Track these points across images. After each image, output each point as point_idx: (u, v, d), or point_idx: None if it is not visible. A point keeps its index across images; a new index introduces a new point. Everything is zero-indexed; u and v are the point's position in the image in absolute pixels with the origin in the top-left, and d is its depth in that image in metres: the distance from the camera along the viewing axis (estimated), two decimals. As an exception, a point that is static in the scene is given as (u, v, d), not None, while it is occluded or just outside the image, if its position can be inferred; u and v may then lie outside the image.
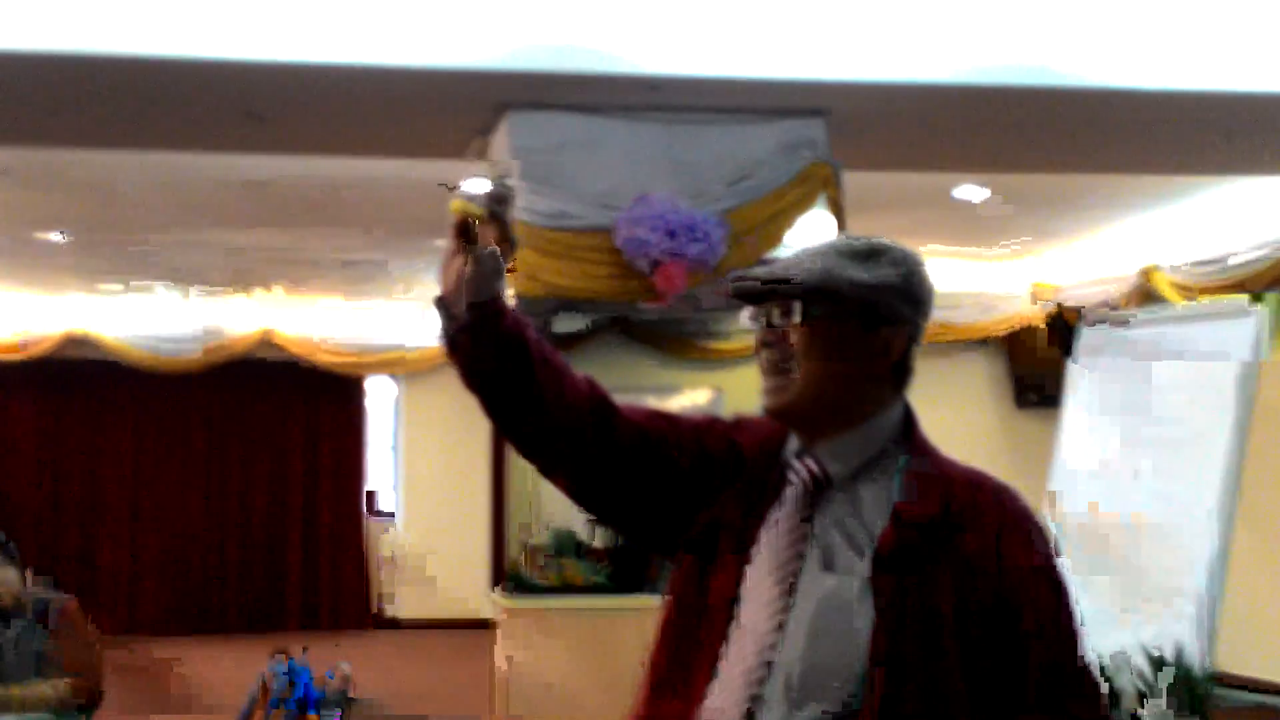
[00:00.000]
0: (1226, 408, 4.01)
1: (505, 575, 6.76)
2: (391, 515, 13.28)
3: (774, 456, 1.85)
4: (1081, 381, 4.90)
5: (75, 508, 12.58)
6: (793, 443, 1.84)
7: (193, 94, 5.40)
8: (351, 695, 5.16)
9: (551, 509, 6.75)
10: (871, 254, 1.78)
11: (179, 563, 12.62)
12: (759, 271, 1.81)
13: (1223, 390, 4.05)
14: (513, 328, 1.82)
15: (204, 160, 6.80)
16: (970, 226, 8.82)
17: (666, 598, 1.86)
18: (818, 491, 1.79)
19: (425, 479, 13.03)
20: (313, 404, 12.95)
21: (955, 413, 11.57)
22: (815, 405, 1.78)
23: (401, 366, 12.56)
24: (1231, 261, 8.37)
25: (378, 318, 12.13)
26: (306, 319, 12.06)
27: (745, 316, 1.82)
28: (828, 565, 1.75)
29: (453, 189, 1.81)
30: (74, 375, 12.33)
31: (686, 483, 1.85)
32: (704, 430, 1.90)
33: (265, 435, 12.90)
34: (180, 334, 11.83)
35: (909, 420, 1.84)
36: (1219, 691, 3.38)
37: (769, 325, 1.78)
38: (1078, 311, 6.93)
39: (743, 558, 1.79)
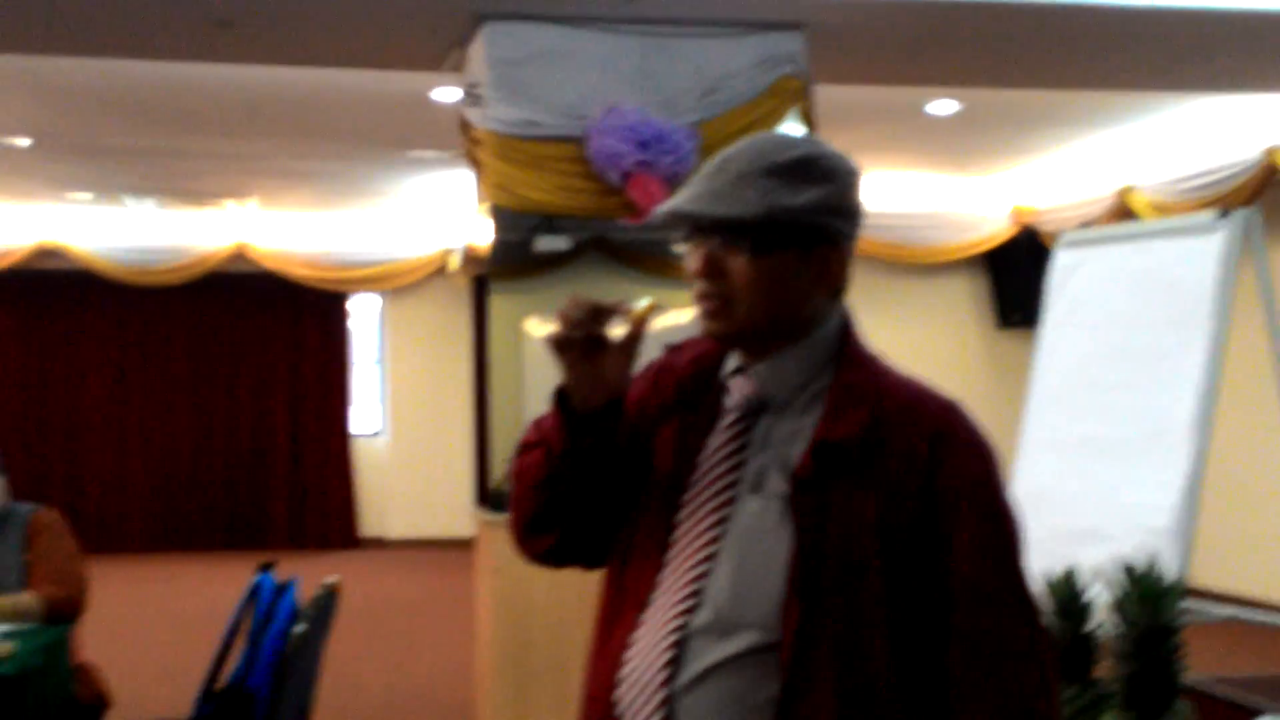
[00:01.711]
0: (1199, 323, 4.01)
1: (489, 493, 6.78)
2: (377, 433, 13.27)
3: (709, 376, 1.81)
4: (1057, 302, 4.88)
5: (57, 423, 12.58)
6: (731, 360, 1.80)
7: (159, 2, 5.32)
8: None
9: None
10: (801, 169, 1.70)
11: (164, 479, 12.66)
12: (691, 204, 1.71)
13: (1195, 306, 4.05)
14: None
15: (170, 68, 6.70)
16: (943, 143, 8.80)
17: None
18: (755, 413, 1.75)
19: (410, 396, 13.04)
20: (295, 320, 12.92)
21: (937, 333, 11.62)
22: (754, 332, 1.73)
23: (384, 281, 12.51)
24: (1208, 179, 8.36)
25: (357, 232, 12.09)
26: (283, 232, 12.01)
27: (679, 239, 1.76)
28: (757, 488, 1.70)
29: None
30: (49, 287, 12.30)
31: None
32: (633, 410, 1.83)
33: (248, 351, 12.88)
34: (151, 246, 11.77)
35: (846, 329, 1.78)
36: (1191, 604, 3.40)
37: (705, 256, 1.72)
38: (1056, 232, 6.92)
39: (679, 485, 1.75)
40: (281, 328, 12.94)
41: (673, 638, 1.67)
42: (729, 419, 1.76)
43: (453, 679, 7.33)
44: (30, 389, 12.54)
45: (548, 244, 6.44)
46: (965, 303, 11.78)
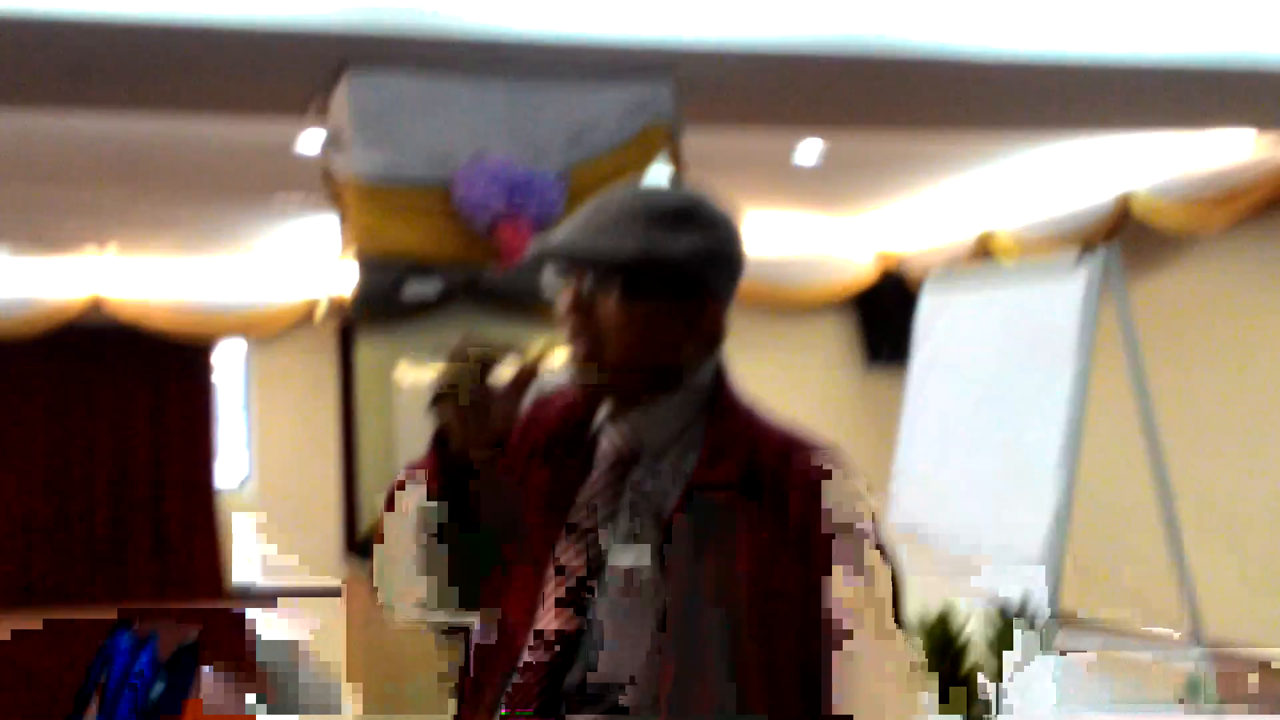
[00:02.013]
0: (1064, 360, 4.08)
1: (356, 544, 6.64)
2: (244, 482, 12.98)
3: (581, 426, 1.76)
4: (924, 344, 4.96)
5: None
6: (603, 408, 1.75)
7: (11, 49, 5.15)
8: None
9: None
10: (683, 217, 1.66)
11: (21, 538, 12.18)
12: (565, 239, 1.67)
13: (1059, 344, 4.12)
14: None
15: (16, 114, 6.51)
16: (809, 188, 8.92)
17: None
18: (627, 463, 1.70)
19: (278, 445, 12.76)
20: (157, 371, 12.54)
21: (806, 374, 11.71)
22: (624, 380, 1.68)
23: (249, 330, 12.26)
24: (1066, 223, 8.58)
25: (221, 279, 11.83)
26: (143, 281, 11.70)
27: (548, 278, 1.72)
28: (629, 539, 1.66)
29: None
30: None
31: None
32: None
33: (107, 404, 12.47)
34: (1, 299, 11.38)
35: (720, 377, 1.73)
36: (1067, 633, 3.44)
37: (577, 295, 1.67)
38: (921, 276, 7.05)
39: (550, 538, 1.70)
40: (142, 380, 12.57)
41: (541, 699, 1.62)
42: (601, 469, 1.72)
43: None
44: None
45: (416, 290, 6.35)
46: (833, 344, 11.91)
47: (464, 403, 1.66)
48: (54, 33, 4.92)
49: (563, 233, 1.69)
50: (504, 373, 1.69)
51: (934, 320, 4.85)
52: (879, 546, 1.66)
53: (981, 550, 4.21)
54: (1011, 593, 3.09)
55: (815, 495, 1.62)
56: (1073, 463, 4.03)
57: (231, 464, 12.99)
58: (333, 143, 5.51)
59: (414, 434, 6.84)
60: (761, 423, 1.71)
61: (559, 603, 1.67)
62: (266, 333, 12.29)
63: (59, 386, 12.36)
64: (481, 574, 1.74)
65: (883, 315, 11.19)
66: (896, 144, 7.69)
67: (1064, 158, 8.14)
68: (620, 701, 1.60)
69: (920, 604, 2.94)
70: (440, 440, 1.71)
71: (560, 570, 1.68)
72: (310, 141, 6.70)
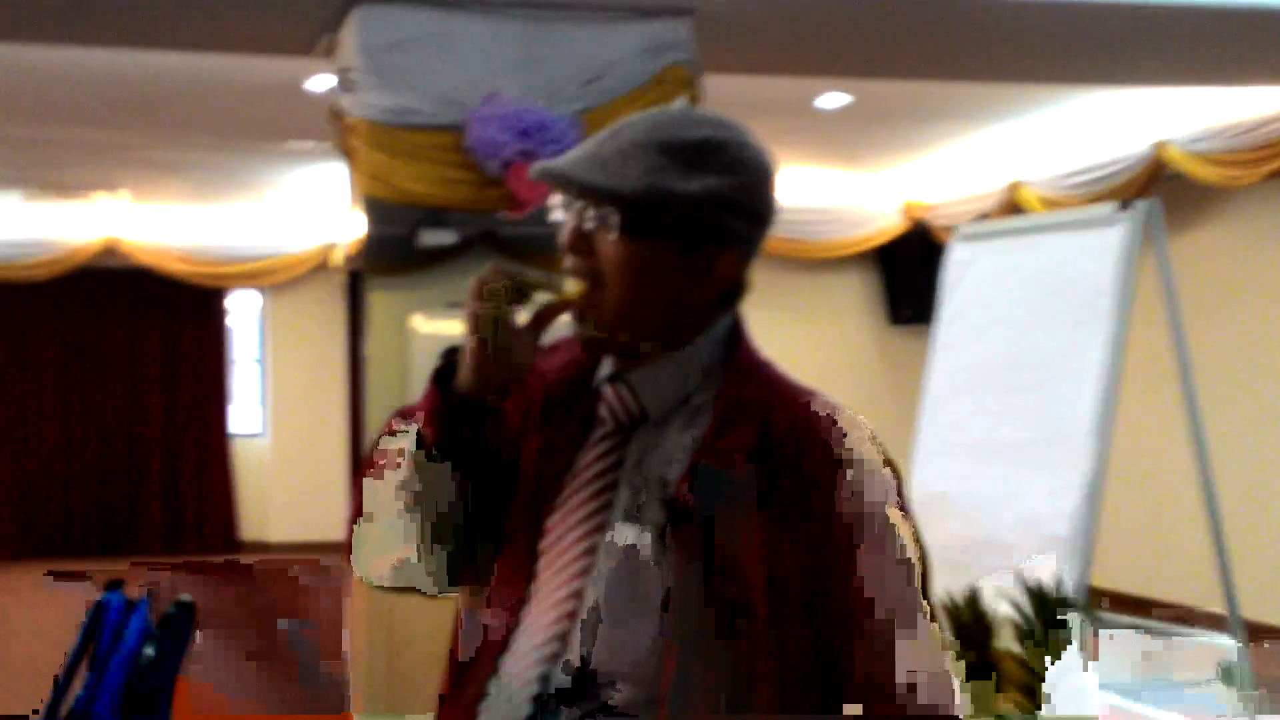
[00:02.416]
0: (1099, 320, 3.86)
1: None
2: (258, 434, 12.86)
3: (581, 383, 1.59)
4: (951, 298, 4.73)
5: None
6: (605, 365, 1.58)
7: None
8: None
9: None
10: (701, 154, 1.49)
11: (31, 482, 12.12)
12: (569, 166, 1.51)
13: (1095, 302, 3.91)
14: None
15: (26, 52, 6.35)
16: (834, 137, 8.69)
17: None
18: (630, 427, 1.53)
19: (292, 395, 12.64)
20: (171, 317, 12.46)
21: (827, 330, 11.53)
22: (625, 331, 1.51)
23: (264, 278, 12.11)
24: (1097, 174, 8.33)
25: (235, 226, 11.69)
26: (156, 226, 11.57)
27: (554, 205, 1.56)
28: (631, 514, 1.49)
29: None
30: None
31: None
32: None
33: (121, 349, 12.40)
34: (16, 240, 11.27)
35: (735, 335, 1.56)
36: (1098, 614, 3.26)
37: (579, 230, 1.52)
38: (949, 228, 6.83)
39: (543, 509, 1.53)
40: (156, 325, 12.48)
41: (532, 690, 1.46)
42: (600, 433, 1.55)
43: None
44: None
45: (433, 238, 6.19)
46: (856, 299, 11.70)
47: (499, 324, 1.50)
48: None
49: (568, 157, 1.53)
50: (524, 314, 1.53)
51: (962, 274, 4.62)
52: (904, 520, 1.49)
53: (1007, 522, 4.01)
54: (1040, 569, 2.91)
55: (835, 465, 1.45)
56: (1107, 429, 3.82)
57: (245, 413, 12.87)
58: (341, 82, 5.32)
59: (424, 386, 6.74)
60: (778, 385, 1.53)
61: (550, 585, 1.50)
62: (281, 280, 12.14)
63: (72, 330, 12.27)
64: (479, 539, 1.58)
65: (908, 269, 10.96)
66: (923, 93, 7.45)
67: (1095, 107, 7.89)
68: (618, 700, 1.43)
69: (945, 584, 2.76)
70: (442, 377, 1.53)
71: (554, 544, 1.52)
72: (322, 83, 6.52)
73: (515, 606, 1.51)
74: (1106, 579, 5.70)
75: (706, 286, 1.51)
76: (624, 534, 1.47)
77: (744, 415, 1.48)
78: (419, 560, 1.57)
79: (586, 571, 1.48)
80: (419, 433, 1.54)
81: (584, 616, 1.46)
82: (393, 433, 1.58)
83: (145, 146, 8.90)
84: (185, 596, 3.66)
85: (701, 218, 1.48)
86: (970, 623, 2.96)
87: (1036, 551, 3.61)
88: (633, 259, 1.49)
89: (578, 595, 1.47)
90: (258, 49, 6.05)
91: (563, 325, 1.59)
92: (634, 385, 1.53)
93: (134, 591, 3.73)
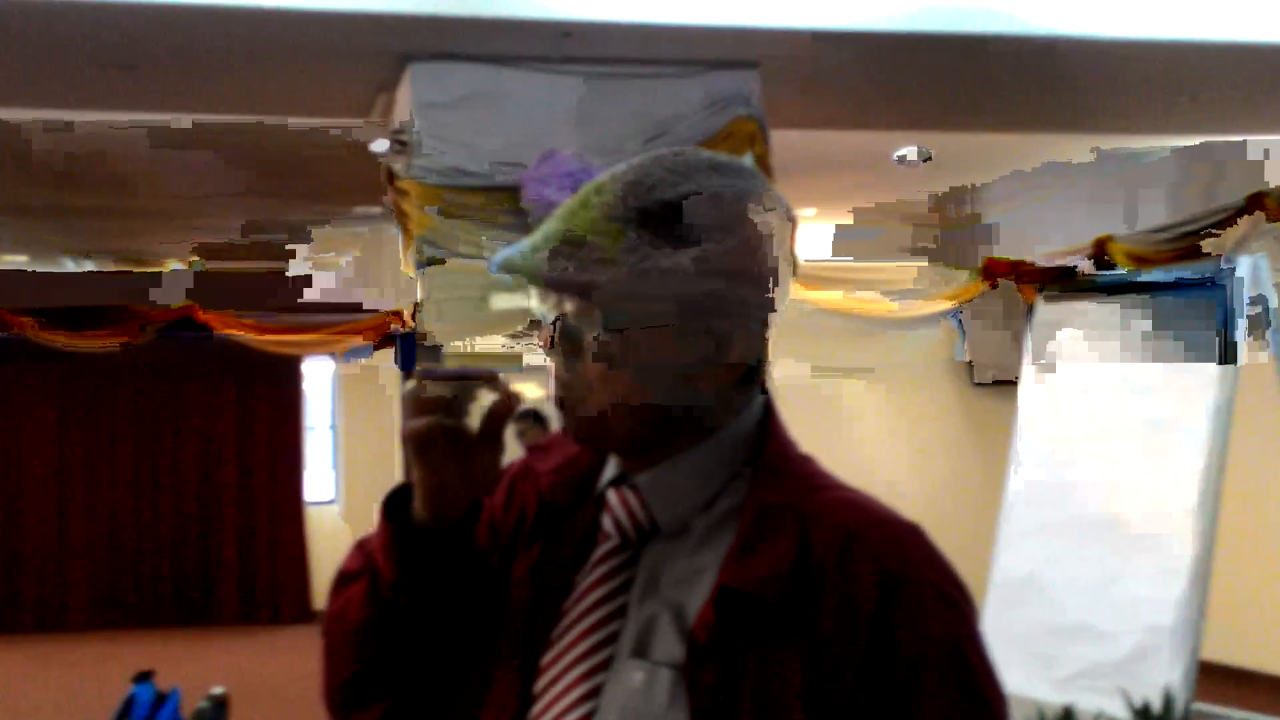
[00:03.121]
0: (1205, 385, 3.53)
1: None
2: (331, 501, 12.72)
3: (583, 488, 1.32)
4: (1038, 360, 4.40)
5: (-4, 494, 12.00)
6: (611, 466, 1.31)
7: (56, 41, 4.88)
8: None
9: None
10: (689, 215, 1.22)
11: (106, 552, 12.05)
12: (532, 258, 1.23)
13: (1199, 366, 3.57)
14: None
15: (94, 119, 6.29)
16: (911, 192, 8.42)
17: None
18: (641, 541, 1.27)
19: (363, 461, 12.48)
20: (247, 384, 12.38)
21: (908, 393, 11.18)
22: (623, 431, 1.25)
23: (337, 344, 12.00)
24: (1190, 227, 7.96)
25: (306, 291, 11.63)
26: (229, 294, 11.53)
27: (534, 299, 1.28)
28: (640, 650, 1.22)
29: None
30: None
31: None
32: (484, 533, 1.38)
33: (196, 416, 12.33)
34: (89, 308, 11.27)
35: (766, 427, 1.29)
36: (1199, 708, 2.93)
37: (560, 328, 1.24)
38: (1034, 286, 6.51)
39: (538, 641, 1.27)
40: (231, 392, 12.41)
41: None
42: (604, 549, 1.28)
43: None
44: (-35, 460, 11.99)
45: (505, 303, 6.01)
46: (936, 360, 11.34)
47: (447, 438, 1.24)
48: (91, 20, 4.64)
49: (531, 244, 1.25)
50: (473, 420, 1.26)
51: (1049, 335, 4.31)
52: (979, 652, 1.20)
53: (1103, 609, 3.65)
54: (1144, 665, 2.58)
55: (890, 586, 1.17)
56: (1215, 506, 3.46)
57: (319, 481, 12.75)
58: (395, 143, 5.16)
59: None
60: (821, 489, 1.25)
61: None
62: (352, 346, 12.03)
63: (147, 398, 12.23)
64: (454, 687, 1.31)
65: (989, 329, 10.61)
66: (1004, 145, 7.18)
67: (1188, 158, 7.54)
68: None
69: (1030, 678, 2.46)
70: (394, 507, 1.28)
71: (549, 686, 1.25)
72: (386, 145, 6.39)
73: None
74: (1208, 650, 5.31)
75: (718, 372, 1.25)
76: (633, 675, 1.21)
77: (778, 526, 1.21)
78: (395, 713, 1.32)
79: (589, 718, 1.21)
80: (375, 571, 1.29)
81: None
82: (349, 571, 1.34)
83: (213, 214, 8.84)
84: (218, 689, 3.45)
85: (699, 293, 1.22)
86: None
87: (1137, 642, 3.27)
88: (625, 358, 1.22)
89: None
90: (317, 112, 5.94)
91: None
92: (644, 491, 1.28)
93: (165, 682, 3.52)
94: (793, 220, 1.27)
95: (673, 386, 1.23)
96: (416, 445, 1.24)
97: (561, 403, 1.25)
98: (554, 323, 1.24)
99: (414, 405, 1.24)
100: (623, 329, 1.21)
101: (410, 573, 1.26)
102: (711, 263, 1.21)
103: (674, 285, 1.20)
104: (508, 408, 1.24)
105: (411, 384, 1.26)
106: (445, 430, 1.23)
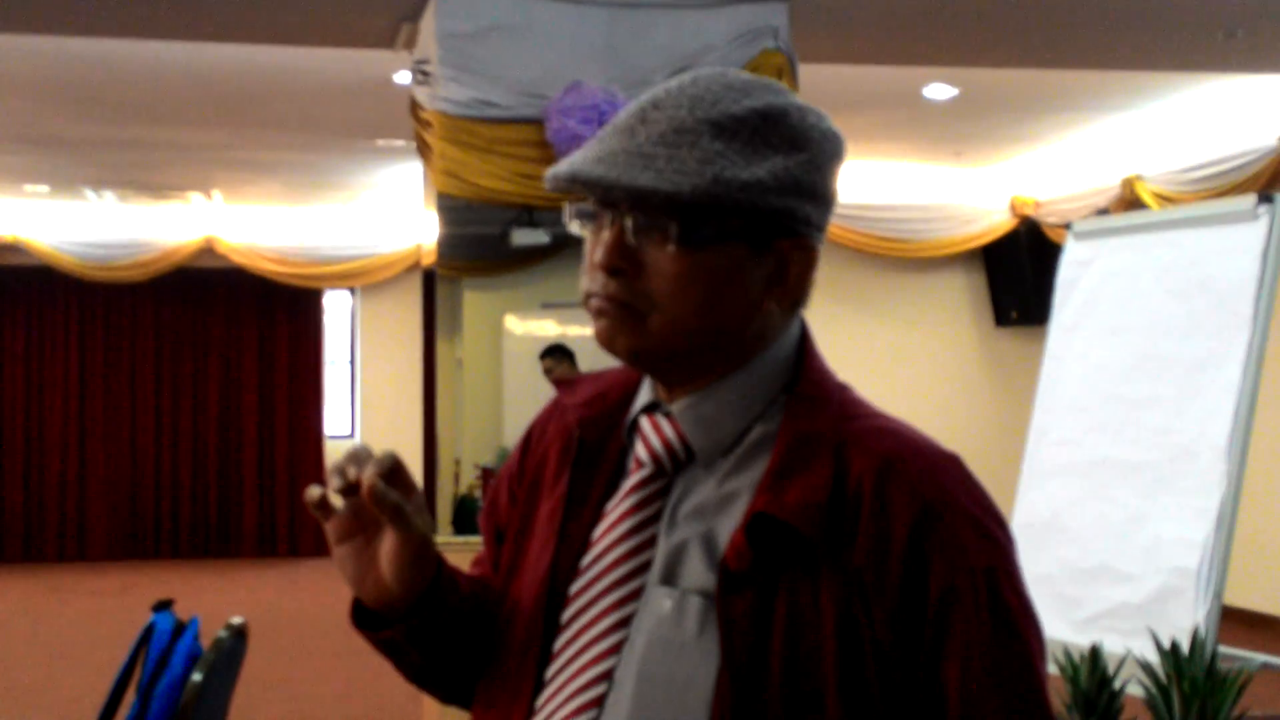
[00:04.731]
0: (1237, 326, 3.47)
1: (455, 505, 6.30)
2: (350, 436, 12.74)
3: (612, 420, 1.30)
4: (1067, 301, 4.33)
5: (16, 424, 12.05)
6: (643, 393, 1.29)
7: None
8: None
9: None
10: (761, 127, 1.19)
11: (128, 484, 12.14)
12: (604, 167, 1.18)
13: (1232, 306, 3.52)
14: (464, 591, 1.31)
15: (116, 53, 6.25)
16: (939, 130, 8.32)
17: None
18: (675, 469, 1.24)
19: (383, 397, 12.49)
20: (267, 317, 12.41)
21: (931, 333, 11.14)
22: (678, 351, 1.21)
23: (357, 278, 12.00)
24: (1220, 167, 7.87)
25: (329, 225, 11.62)
26: (251, 226, 11.53)
27: (570, 215, 1.25)
28: (669, 577, 1.19)
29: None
30: (8, 284, 11.80)
31: None
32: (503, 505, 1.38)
33: (217, 349, 12.38)
34: (114, 240, 11.29)
35: (802, 353, 1.26)
36: (1222, 650, 2.90)
37: (621, 245, 1.20)
38: (1065, 225, 6.45)
39: (566, 572, 1.25)
40: (252, 325, 12.44)
41: None
42: (636, 478, 1.25)
43: (406, 705, 6.85)
44: (-12, 389, 12.03)
45: (525, 238, 5.99)
46: (961, 300, 11.29)
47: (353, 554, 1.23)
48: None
49: (593, 153, 1.21)
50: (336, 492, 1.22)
51: (1079, 274, 4.24)
52: (1016, 597, 1.18)
53: (1127, 551, 3.62)
54: (1169, 607, 2.56)
55: (929, 526, 1.15)
56: (1242, 449, 3.41)
57: (337, 415, 12.77)
58: (418, 74, 5.10)
59: (522, 385, 6.55)
60: (858, 417, 1.23)
61: (575, 666, 1.22)
62: (373, 280, 12.02)
63: (169, 330, 12.27)
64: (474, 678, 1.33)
65: (1016, 269, 10.54)
66: (1033, 83, 7.07)
67: (1220, 98, 7.44)
68: None
69: (1054, 620, 2.43)
70: (360, 617, 1.28)
71: (578, 615, 1.23)
72: (409, 77, 6.33)
73: (530, 691, 1.23)
74: (1233, 596, 5.29)
75: (779, 294, 1.22)
76: (662, 603, 1.19)
77: (814, 454, 1.18)
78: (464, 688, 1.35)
79: (616, 651, 1.20)
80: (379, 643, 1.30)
81: (614, 706, 1.17)
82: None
83: (238, 146, 8.82)
84: (237, 619, 3.45)
85: (773, 209, 1.19)
86: (1091, 692, 2.59)
87: (1161, 584, 3.25)
88: (698, 274, 1.19)
89: (607, 678, 1.19)
90: (339, 41, 5.88)
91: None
92: (680, 417, 1.24)
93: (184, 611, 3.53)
94: (842, 141, 1.25)
95: (730, 312, 1.20)
96: (341, 568, 1.24)
97: (612, 322, 1.21)
98: (616, 240, 1.20)
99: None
100: (700, 244, 1.18)
101: (411, 644, 1.27)
102: (787, 176, 1.18)
103: (752, 197, 1.17)
104: (376, 488, 1.18)
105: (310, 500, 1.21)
106: (342, 557, 1.23)
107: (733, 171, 1.17)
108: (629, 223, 1.19)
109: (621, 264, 1.20)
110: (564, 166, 1.22)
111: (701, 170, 1.16)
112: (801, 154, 1.20)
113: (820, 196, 1.22)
